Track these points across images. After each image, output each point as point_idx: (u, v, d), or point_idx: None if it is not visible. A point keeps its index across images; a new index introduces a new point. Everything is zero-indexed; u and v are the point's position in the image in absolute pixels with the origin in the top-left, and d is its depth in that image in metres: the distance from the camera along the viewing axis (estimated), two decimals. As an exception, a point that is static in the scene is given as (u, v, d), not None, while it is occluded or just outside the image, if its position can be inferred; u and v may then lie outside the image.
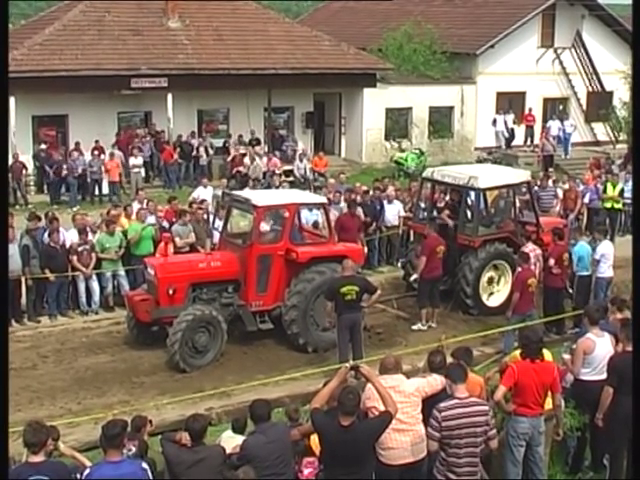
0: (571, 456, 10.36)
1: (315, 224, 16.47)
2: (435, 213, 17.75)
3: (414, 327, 15.75)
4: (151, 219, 17.73)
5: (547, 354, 9.34)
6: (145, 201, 18.96)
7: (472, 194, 16.89)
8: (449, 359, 9.16)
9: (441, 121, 36.18)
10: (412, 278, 16.61)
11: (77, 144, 27.62)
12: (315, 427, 7.85)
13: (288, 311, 14.58)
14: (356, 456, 7.60)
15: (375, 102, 34.03)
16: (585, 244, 15.98)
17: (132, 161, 27.70)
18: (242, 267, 14.66)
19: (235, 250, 14.99)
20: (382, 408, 7.84)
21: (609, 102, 38.04)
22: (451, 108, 36.31)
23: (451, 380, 8.14)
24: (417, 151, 33.23)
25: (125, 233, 17.15)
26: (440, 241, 15.70)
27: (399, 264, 18.72)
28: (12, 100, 25.95)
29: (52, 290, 16.23)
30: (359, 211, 18.92)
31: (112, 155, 27.49)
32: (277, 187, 24.54)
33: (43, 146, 28.03)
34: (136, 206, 18.62)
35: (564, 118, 36.32)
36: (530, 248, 15.57)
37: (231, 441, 8.54)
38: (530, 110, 36.71)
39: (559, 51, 37.64)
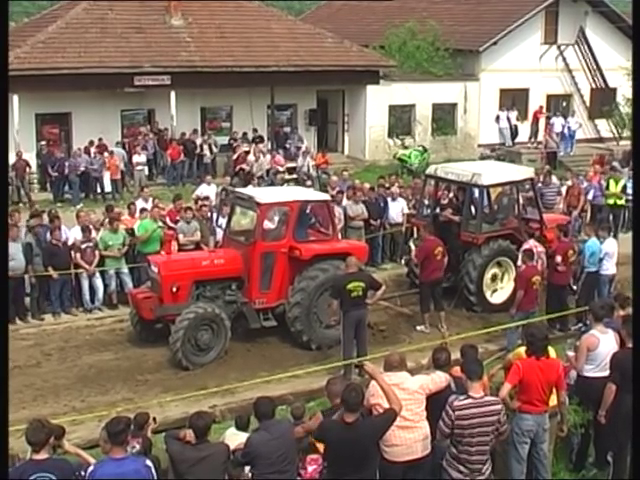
0: (575, 453, 10.35)
1: (318, 221, 16.46)
2: (438, 210, 17.73)
3: (418, 328, 15.70)
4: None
5: (551, 351, 9.33)
6: (150, 199, 18.96)
7: (475, 191, 16.87)
8: (453, 356, 9.17)
9: (444, 118, 36.15)
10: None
11: (91, 143, 27.67)
12: (319, 429, 7.86)
13: (291, 308, 14.58)
14: (360, 453, 7.60)
15: (378, 99, 34.01)
16: (596, 240, 15.93)
17: (136, 159, 27.73)
18: (245, 265, 14.66)
19: (238, 248, 14.99)
20: (386, 405, 7.84)
21: (612, 99, 37.96)
22: (454, 105, 36.26)
23: (467, 377, 8.12)
24: (420, 148, 33.15)
25: (129, 231, 17.13)
26: (438, 242, 15.58)
27: (402, 261, 18.70)
28: (15, 98, 26.01)
29: (55, 288, 16.24)
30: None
31: (112, 153, 27.48)
32: (281, 184, 24.54)
33: (43, 143, 28.07)
34: (140, 203, 18.63)
35: (569, 115, 36.30)
36: (531, 245, 15.54)
37: (235, 438, 8.56)
38: (541, 108, 36.63)
39: (562, 48, 37.57)
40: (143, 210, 17.66)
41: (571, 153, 35.33)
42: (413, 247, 17.10)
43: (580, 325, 14.94)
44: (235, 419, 9.39)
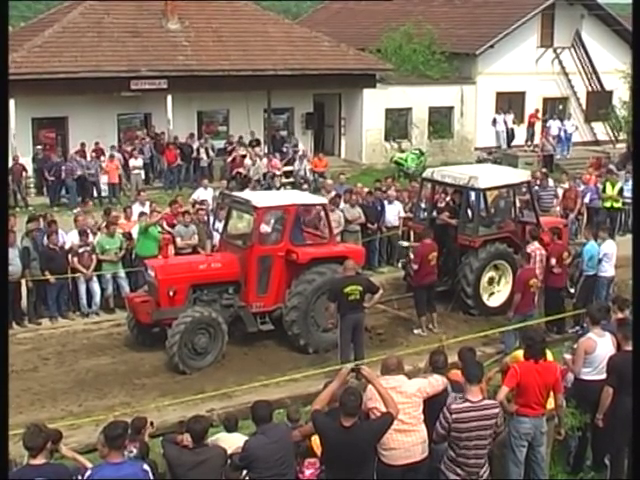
0: (572, 456, 10.34)
1: (315, 225, 16.47)
2: (435, 213, 17.75)
3: (415, 331, 15.72)
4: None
5: (549, 354, 9.34)
6: (148, 203, 18.96)
7: (472, 194, 16.89)
8: (451, 359, 9.17)
9: (441, 121, 36.20)
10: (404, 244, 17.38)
11: (82, 145, 27.64)
12: (316, 428, 7.84)
13: (289, 312, 14.58)
14: (357, 457, 7.60)
15: (375, 103, 34.04)
16: (595, 243, 15.95)
17: (132, 163, 27.73)
18: (242, 268, 14.66)
19: (235, 251, 14.99)
20: (383, 409, 7.83)
21: (609, 101, 38.04)
22: (451, 108, 36.32)
23: (467, 380, 8.13)
24: (417, 151, 33.19)
25: (126, 235, 17.12)
26: (434, 247, 15.64)
27: (399, 264, 18.72)
28: (12, 102, 25.94)
29: (52, 292, 16.22)
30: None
31: (112, 157, 27.51)
32: (278, 188, 24.53)
33: (39, 147, 28.05)
34: (137, 207, 18.62)
35: (565, 118, 36.37)
36: (535, 247, 15.56)
37: (230, 440, 8.54)
38: (537, 111, 36.70)
39: (558, 51, 37.66)
40: (142, 214, 17.64)
41: (567, 156, 35.38)
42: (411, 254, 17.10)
43: (577, 328, 14.95)
44: (223, 422, 9.40)
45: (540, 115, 36.82)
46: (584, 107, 38.60)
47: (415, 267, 15.53)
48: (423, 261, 15.44)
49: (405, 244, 18.04)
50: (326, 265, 14.67)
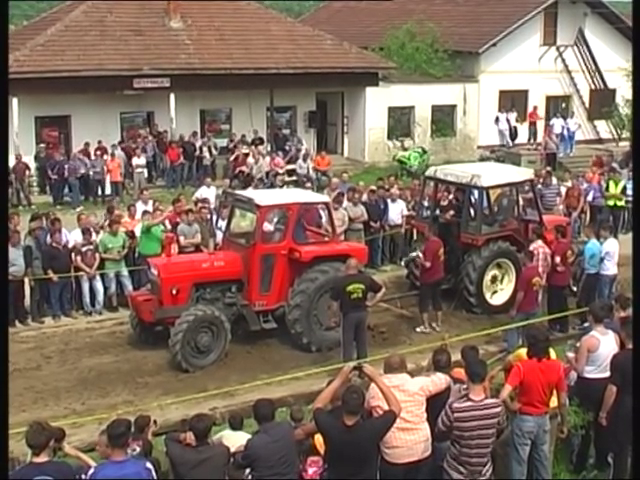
0: (575, 454, 10.34)
1: (317, 223, 16.47)
2: (438, 212, 17.74)
3: (418, 330, 15.72)
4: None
5: (552, 352, 9.32)
6: (150, 201, 18.96)
7: (475, 193, 16.88)
8: (454, 358, 9.16)
9: (444, 120, 36.18)
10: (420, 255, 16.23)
11: (86, 145, 27.64)
12: (319, 427, 7.84)
13: (291, 310, 14.57)
14: (360, 455, 7.59)
15: (377, 101, 34.02)
16: (596, 242, 15.94)
17: (135, 161, 27.74)
18: (245, 267, 14.66)
19: (238, 250, 15.00)
20: (386, 407, 7.83)
21: (612, 100, 38.01)
22: (454, 106, 36.30)
23: (470, 379, 8.11)
24: (420, 150, 33.20)
25: (129, 233, 17.12)
26: (440, 244, 15.63)
27: (402, 263, 18.71)
28: (15, 101, 26.02)
29: (55, 291, 16.22)
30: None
31: (113, 155, 27.51)
32: (281, 187, 24.52)
33: (42, 146, 28.09)
34: (140, 206, 18.63)
35: (568, 116, 36.33)
36: (538, 245, 15.53)
37: (233, 438, 8.54)
38: (535, 108, 36.68)
39: (561, 49, 37.62)
40: (145, 213, 17.64)
41: (570, 154, 35.36)
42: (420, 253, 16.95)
43: (586, 324, 14.90)
44: (229, 420, 9.41)
45: (540, 113, 36.77)
46: (587, 105, 38.57)
47: (428, 265, 15.48)
48: (434, 258, 15.43)
49: (420, 255, 16.95)
50: (329, 263, 14.66)
